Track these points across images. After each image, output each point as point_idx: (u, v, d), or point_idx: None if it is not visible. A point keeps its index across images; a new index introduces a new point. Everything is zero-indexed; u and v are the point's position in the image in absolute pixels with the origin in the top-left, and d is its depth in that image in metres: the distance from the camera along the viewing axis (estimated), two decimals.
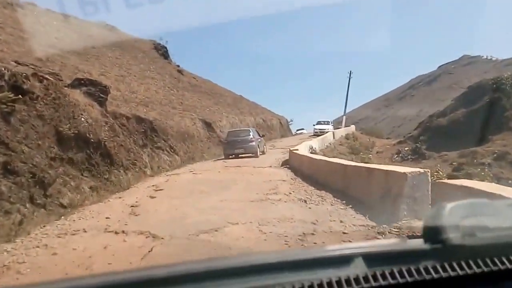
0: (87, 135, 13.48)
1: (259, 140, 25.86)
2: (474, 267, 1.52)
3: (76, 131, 12.84)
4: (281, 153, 25.47)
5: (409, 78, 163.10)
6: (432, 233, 1.63)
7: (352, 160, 17.67)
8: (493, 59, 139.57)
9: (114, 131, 16.72)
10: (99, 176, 13.64)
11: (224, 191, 10.80)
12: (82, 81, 17.11)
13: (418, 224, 5.66)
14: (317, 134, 38.75)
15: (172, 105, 28.67)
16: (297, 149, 18.53)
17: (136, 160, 17.69)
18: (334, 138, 34.02)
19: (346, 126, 45.04)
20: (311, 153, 20.98)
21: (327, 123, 41.80)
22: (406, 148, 30.24)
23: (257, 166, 18.23)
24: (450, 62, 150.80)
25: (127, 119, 19.51)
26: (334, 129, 39.87)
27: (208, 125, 29.19)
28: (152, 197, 10.42)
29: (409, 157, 28.68)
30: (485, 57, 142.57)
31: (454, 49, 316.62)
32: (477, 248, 1.60)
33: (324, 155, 20.78)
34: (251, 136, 24.60)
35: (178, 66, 46.23)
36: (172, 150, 22.02)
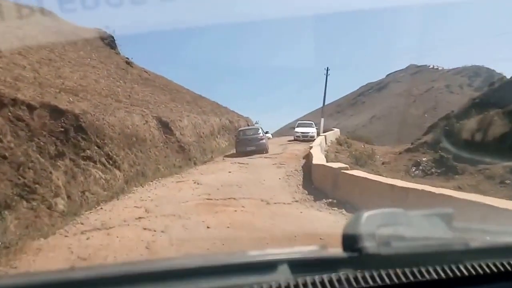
0: None
1: (266, 137, 26.20)
2: (387, 279, 1.48)
3: None
4: (272, 165, 17.47)
5: (359, 85, 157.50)
6: (349, 242, 1.59)
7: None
8: (439, 68, 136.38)
9: None
10: None
11: None
12: None
13: None
14: (299, 139, 30.50)
15: (116, 97, 19.66)
16: (347, 167, 10.45)
17: (37, 184, 9.35)
18: (326, 143, 25.65)
19: (328, 130, 36.84)
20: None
21: (310, 125, 33.48)
22: (424, 159, 21.85)
23: (268, 198, 10.10)
24: (397, 71, 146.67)
25: (29, 109, 11.05)
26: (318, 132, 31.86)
27: (164, 125, 20.25)
28: None
29: (433, 170, 20.33)
30: (431, 66, 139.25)
31: (401, 59, 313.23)
32: (391, 258, 1.57)
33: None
34: (261, 134, 24.81)
35: (127, 58, 37.55)
36: (111, 162, 13.37)
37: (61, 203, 9.87)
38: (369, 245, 1.54)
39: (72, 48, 28.23)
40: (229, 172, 15.60)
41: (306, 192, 11.05)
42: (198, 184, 12.79)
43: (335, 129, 39.71)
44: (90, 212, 9.46)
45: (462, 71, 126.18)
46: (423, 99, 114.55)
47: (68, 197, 10.37)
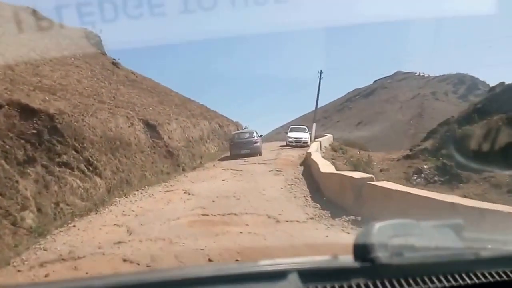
0: None
1: (260, 140, 25.79)
2: (398, 287, 1.49)
3: None
4: (269, 172, 16.06)
5: (347, 91, 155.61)
6: (361, 251, 1.58)
7: None
8: (426, 75, 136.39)
9: None
10: None
11: None
12: None
13: None
14: (291, 144, 28.91)
15: (99, 98, 18.00)
16: (372, 178, 8.71)
17: (0, 196, 7.87)
18: (321, 149, 24.12)
19: (319, 136, 35.12)
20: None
21: (303, 130, 31.77)
22: (425, 166, 20.39)
23: (276, 214, 8.44)
24: (385, 77, 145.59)
25: None
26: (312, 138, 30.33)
27: (152, 129, 18.61)
28: None
29: (436, 178, 18.88)
30: (417, 73, 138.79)
31: (388, 65, 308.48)
32: (404, 268, 1.58)
33: None
34: (255, 138, 24.62)
35: (114, 59, 35.76)
36: (91, 168, 11.75)
37: (29, 218, 8.32)
38: (382, 255, 1.52)
39: (56, 47, 26.63)
40: (223, 180, 14.00)
41: (319, 206, 9.43)
42: (189, 194, 11.16)
43: (328, 135, 38.04)
44: (60, 231, 7.82)
45: (448, 78, 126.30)
46: (410, 105, 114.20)
47: (39, 210, 8.84)
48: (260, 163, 19.16)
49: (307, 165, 17.53)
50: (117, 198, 11.11)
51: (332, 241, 6.76)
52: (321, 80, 41.12)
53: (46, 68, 18.71)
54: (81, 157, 11.33)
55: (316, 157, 15.94)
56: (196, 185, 13.07)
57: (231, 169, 17.15)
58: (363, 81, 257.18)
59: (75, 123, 11.78)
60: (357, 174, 9.37)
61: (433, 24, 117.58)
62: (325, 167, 12.30)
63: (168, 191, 12.37)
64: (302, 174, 14.94)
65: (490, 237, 2.12)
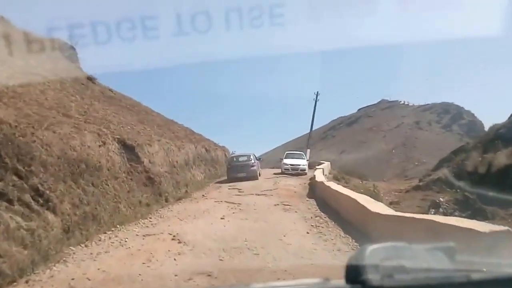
0: None
1: (258, 164, 26.00)
2: None
3: None
4: (274, 206, 13.03)
5: (331, 119, 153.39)
6: (353, 274, 1.54)
7: None
8: (410, 104, 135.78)
9: None
10: None
11: None
12: None
13: None
14: (287, 171, 25.75)
15: (65, 111, 14.61)
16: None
17: None
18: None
19: (313, 163, 31.96)
20: None
21: (300, 156, 28.58)
22: (442, 199, 17.68)
23: None
24: (369, 106, 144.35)
25: None
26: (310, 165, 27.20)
27: (129, 150, 15.24)
28: None
29: (456, 214, 16.28)
30: (402, 102, 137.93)
31: (373, 94, 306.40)
32: None
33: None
34: (253, 161, 24.88)
35: (90, 75, 32.35)
36: (41, 201, 8.29)
37: None
38: (372, 277, 1.49)
39: (21, 54, 23.28)
40: (221, 218, 10.59)
41: None
42: (180, 242, 7.66)
43: (326, 162, 34.82)
44: None
45: (432, 107, 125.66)
46: (393, 134, 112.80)
47: None
48: (258, 194, 15.85)
49: (319, 197, 14.33)
50: (72, 248, 7.59)
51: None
52: (307, 107, 38.99)
53: (3, 75, 15.33)
54: (25, 185, 7.96)
55: (340, 188, 12.64)
56: (188, 225, 9.62)
57: (226, 202, 13.83)
58: (348, 109, 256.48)
59: (20, 138, 8.39)
60: (479, 226, 5.73)
61: (422, 52, 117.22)
62: (375, 205, 8.97)
63: (148, 234, 8.78)
64: (322, 211, 11.67)
65: (482, 260, 2.03)
